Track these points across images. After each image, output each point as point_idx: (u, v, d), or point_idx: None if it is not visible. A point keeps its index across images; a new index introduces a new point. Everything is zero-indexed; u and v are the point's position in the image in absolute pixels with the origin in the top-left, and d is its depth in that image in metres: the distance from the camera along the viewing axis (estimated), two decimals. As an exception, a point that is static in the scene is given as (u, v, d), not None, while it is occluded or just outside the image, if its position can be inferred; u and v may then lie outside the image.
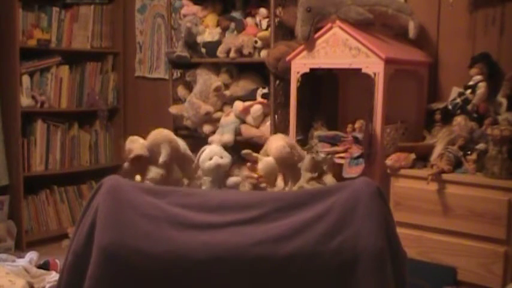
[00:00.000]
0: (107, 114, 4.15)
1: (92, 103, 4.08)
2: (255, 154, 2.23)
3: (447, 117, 2.53)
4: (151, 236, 1.55)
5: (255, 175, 2.18)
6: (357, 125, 2.50)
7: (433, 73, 2.74)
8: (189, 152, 2.21)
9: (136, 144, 2.09)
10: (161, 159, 2.07)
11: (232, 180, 2.21)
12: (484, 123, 2.37)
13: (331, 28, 2.49)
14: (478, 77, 2.49)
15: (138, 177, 2.13)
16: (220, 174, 2.18)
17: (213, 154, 2.18)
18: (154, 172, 2.08)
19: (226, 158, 2.19)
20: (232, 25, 3.19)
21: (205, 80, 3.18)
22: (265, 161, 2.16)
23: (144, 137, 2.16)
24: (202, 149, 2.24)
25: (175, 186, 2.09)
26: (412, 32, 2.62)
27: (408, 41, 2.68)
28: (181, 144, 2.20)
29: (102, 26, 4.14)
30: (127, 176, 2.04)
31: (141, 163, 2.10)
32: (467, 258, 2.19)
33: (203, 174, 2.20)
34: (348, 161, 2.42)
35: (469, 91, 2.50)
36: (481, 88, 2.46)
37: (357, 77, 2.56)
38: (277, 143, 2.17)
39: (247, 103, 3.03)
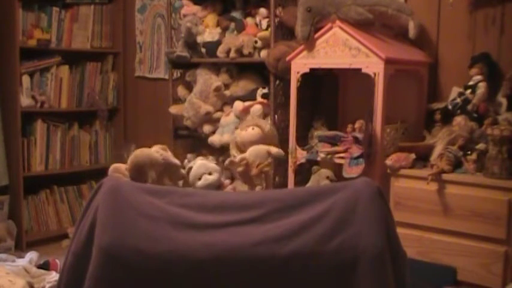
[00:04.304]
0: (107, 114, 4.15)
1: (92, 103, 4.08)
2: (237, 157, 2.21)
3: (447, 117, 2.52)
4: (151, 236, 1.55)
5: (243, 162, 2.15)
6: (357, 125, 2.50)
7: (433, 73, 2.74)
8: (172, 159, 2.16)
9: (120, 174, 2.09)
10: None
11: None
12: (484, 123, 2.37)
13: (331, 28, 2.49)
14: (478, 77, 2.49)
15: None
16: (212, 190, 2.16)
17: (201, 173, 2.14)
18: None
19: (215, 174, 2.15)
20: (232, 25, 3.19)
21: (205, 80, 3.18)
22: (251, 149, 2.14)
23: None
24: (189, 165, 2.21)
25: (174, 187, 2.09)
26: (412, 32, 2.62)
27: (408, 41, 2.68)
28: (162, 154, 2.14)
29: (102, 26, 4.14)
30: None
31: None
32: (467, 258, 2.19)
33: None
34: (348, 161, 2.42)
35: (469, 91, 2.50)
36: (481, 88, 2.45)
37: (357, 77, 2.56)
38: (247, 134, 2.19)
39: (247, 103, 3.03)
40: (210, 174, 2.16)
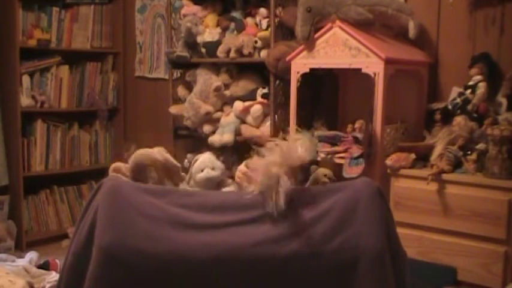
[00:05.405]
0: (107, 114, 4.15)
1: (92, 103, 4.08)
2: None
3: (447, 117, 2.52)
4: (151, 236, 1.55)
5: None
6: (357, 125, 2.50)
7: (433, 73, 2.74)
8: (172, 160, 2.16)
9: (119, 174, 2.09)
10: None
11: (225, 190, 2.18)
12: (484, 123, 2.37)
13: (331, 28, 2.48)
14: (478, 77, 2.49)
15: None
16: (211, 186, 2.16)
17: (204, 166, 2.14)
18: None
19: (217, 170, 2.15)
20: (232, 25, 3.19)
21: (205, 80, 3.18)
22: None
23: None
24: (195, 158, 2.22)
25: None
26: (412, 32, 2.62)
27: (408, 41, 2.68)
28: (163, 155, 2.15)
29: (102, 26, 4.14)
30: None
31: None
32: (467, 258, 2.19)
33: (195, 185, 2.18)
34: (348, 161, 2.42)
35: (469, 91, 2.50)
36: (481, 88, 2.45)
37: (357, 77, 2.56)
38: None
39: (247, 103, 3.03)
40: (213, 169, 2.16)
